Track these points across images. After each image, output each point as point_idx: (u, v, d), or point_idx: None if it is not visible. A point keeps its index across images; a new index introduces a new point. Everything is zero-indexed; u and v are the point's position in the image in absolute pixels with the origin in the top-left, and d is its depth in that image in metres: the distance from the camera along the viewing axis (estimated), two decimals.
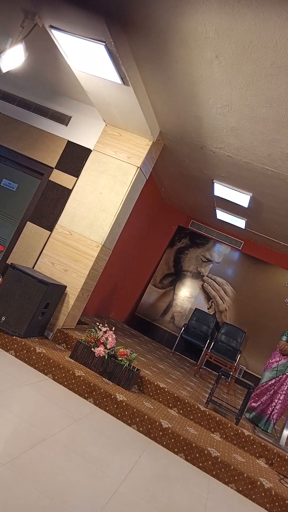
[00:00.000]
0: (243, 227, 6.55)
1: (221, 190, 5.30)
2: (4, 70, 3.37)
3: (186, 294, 7.45)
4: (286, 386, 4.08)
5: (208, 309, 7.25)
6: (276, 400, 4.08)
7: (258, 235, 6.74)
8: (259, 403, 4.17)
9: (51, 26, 3.10)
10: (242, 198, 5.18)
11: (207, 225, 7.67)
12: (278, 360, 4.24)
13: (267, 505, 2.89)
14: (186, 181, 5.88)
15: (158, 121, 4.24)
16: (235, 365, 5.71)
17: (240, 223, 6.37)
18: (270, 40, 2.40)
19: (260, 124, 3.36)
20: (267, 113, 3.16)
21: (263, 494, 2.91)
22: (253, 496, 2.92)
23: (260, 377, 6.39)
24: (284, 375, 4.14)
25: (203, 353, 5.78)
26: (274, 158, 3.79)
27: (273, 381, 4.17)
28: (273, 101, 2.97)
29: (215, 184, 5.21)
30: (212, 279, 7.42)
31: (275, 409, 4.06)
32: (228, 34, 2.51)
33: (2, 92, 5.05)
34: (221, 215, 6.47)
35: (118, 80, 3.39)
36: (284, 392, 4.07)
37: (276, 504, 2.87)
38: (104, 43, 2.97)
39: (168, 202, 7.59)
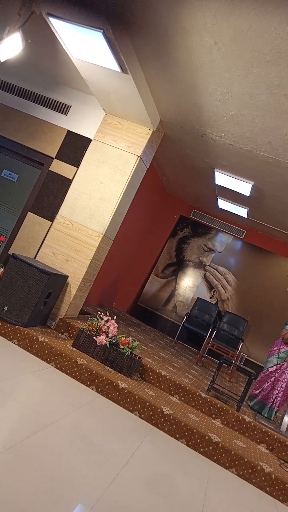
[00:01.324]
0: (245, 216, 6.54)
1: (222, 179, 5.27)
2: (2, 59, 3.35)
3: (188, 283, 7.47)
4: None
5: (210, 298, 7.28)
6: (278, 388, 4.12)
7: (261, 224, 6.72)
8: (260, 390, 4.22)
9: (48, 14, 3.07)
10: (244, 187, 5.16)
11: (209, 214, 7.65)
12: (281, 348, 4.27)
13: (267, 488, 2.94)
14: (187, 170, 5.85)
15: (158, 110, 4.21)
16: (237, 353, 5.75)
17: (242, 212, 6.35)
18: (269, 25, 2.37)
19: (261, 111, 3.33)
20: (267, 100, 3.13)
21: (263, 478, 2.96)
22: (253, 480, 2.97)
23: (261, 365, 6.45)
24: (286, 363, 4.17)
25: (205, 341, 5.82)
26: (275, 145, 3.76)
27: (274, 368, 4.20)
28: (273, 88, 2.94)
29: (216, 173, 5.18)
30: (214, 268, 7.43)
31: (277, 397, 4.10)
32: (227, 20, 2.48)
33: (1, 82, 5.02)
34: (223, 204, 6.45)
35: (117, 68, 3.36)
36: (286, 380, 4.11)
37: (276, 487, 2.92)
38: (102, 31, 2.94)
39: (170, 191, 7.56)
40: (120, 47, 3.09)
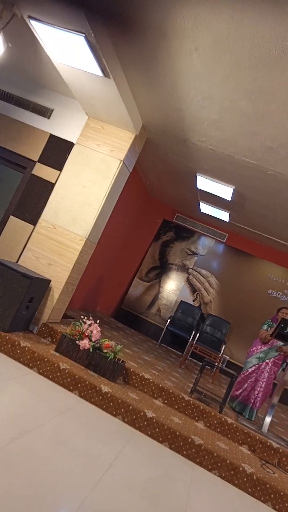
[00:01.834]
0: (227, 220, 6.62)
1: (204, 183, 5.33)
2: None
3: (172, 286, 7.51)
4: (267, 373, 4.18)
5: (193, 301, 7.33)
6: (258, 388, 4.17)
7: (242, 228, 6.82)
8: (241, 390, 4.26)
9: (30, 17, 3.07)
10: (225, 191, 5.23)
11: (192, 218, 7.72)
12: (259, 348, 4.33)
13: (249, 489, 2.96)
14: (170, 175, 5.90)
15: (140, 114, 4.24)
16: (220, 355, 5.80)
17: (224, 216, 6.43)
18: (247, 32, 2.42)
19: (240, 117, 3.39)
20: (246, 106, 3.19)
21: (245, 479, 2.99)
22: (236, 482, 2.99)
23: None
24: (264, 363, 4.23)
25: (188, 344, 5.85)
26: (254, 150, 3.84)
27: (253, 368, 4.26)
28: (252, 94, 3.00)
29: (198, 177, 5.24)
30: (197, 271, 7.49)
31: (257, 397, 4.15)
32: (206, 26, 2.53)
33: None
34: (205, 208, 6.52)
35: (99, 72, 3.37)
36: (265, 379, 4.17)
37: (258, 488, 2.95)
38: (84, 35, 2.95)
39: (153, 195, 7.60)
40: (102, 51, 3.11)
